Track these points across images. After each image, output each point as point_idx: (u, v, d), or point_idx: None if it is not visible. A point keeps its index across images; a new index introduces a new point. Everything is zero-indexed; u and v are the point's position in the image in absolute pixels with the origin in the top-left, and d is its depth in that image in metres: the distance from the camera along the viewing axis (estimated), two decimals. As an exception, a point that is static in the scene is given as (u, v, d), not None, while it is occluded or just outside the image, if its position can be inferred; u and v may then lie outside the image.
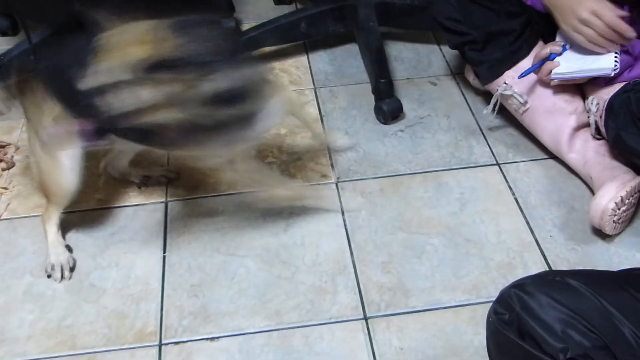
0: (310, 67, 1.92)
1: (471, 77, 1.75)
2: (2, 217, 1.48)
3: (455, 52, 1.73)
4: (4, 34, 2.06)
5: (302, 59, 1.95)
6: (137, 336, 1.24)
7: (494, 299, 0.93)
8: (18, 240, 1.43)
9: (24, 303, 1.30)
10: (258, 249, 1.39)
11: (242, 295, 1.30)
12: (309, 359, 1.19)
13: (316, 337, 1.23)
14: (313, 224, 1.44)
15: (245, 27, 1.98)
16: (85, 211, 1.48)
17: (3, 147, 1.65)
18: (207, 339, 1.23)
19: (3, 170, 1.59)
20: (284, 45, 1.96)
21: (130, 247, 1.40)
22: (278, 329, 1.24)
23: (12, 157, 1.63)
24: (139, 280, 1.33)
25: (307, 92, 1.82)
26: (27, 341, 1.24)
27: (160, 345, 1.22)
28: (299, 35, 1.91)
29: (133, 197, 1.52)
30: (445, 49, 1.91)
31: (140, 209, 1.49)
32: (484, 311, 0.98)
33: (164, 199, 1.51)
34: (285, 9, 2.11)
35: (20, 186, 1.56)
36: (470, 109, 1.74)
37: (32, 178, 1.51)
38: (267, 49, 1.93)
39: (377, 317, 1.26)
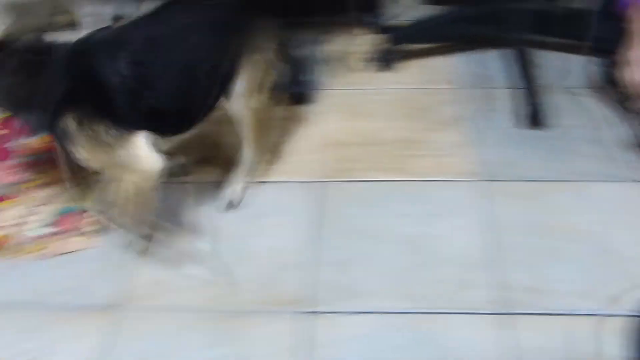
0: (453, 68, 1.98)
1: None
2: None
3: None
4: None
5: (446, 59, 2.01)
6: (287, 302, 1.35)
7: (629, 311, 0.95)
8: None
9: (188, 259, 1.45)
10: (403, 236, 1.47)
11: (385, 277, 1.39)
12: (443, 345, 1.26)
13: (452, 326, 1.29)
14: (457, 218, 1.51)
15: (390, 23, 2.08)
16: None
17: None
18: (350, 312, 1.32)
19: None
20: (431, 45, 2.03)
21: (284, 220, 1.52)
22: (416, 313, 1.32)
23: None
24: (291, 250, 1.45)
25: (448, 92, 1.88)
26: (188, 293, 1.38)
27: (309, 313, 1.32)
28: (447, 35, 1.98)
29: (292, 174, 1.65)
30: (591, 60, 1.92)
31: (299, 186, 1.61)
32: (620, 322, 1.00)
33: (323, 179, 1.63)
34: (430, 10, 2.16)
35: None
36: (621, 123, 1.75)
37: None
38: (414, 46, 2.01)
39: (513, 314, 1.31)
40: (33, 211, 1.58)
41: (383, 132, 1.76)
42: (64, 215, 1.57)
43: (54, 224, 1.55)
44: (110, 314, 1.34)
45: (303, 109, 1.84)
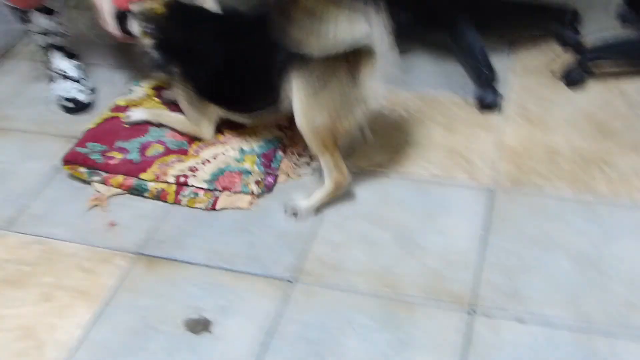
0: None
1: None
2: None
3: None
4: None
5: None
6: (451, 298, 1.38)
7: None
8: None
9: (360, 244, 1.52)
10: (575, 252, 1.45)
11: (553, 288, 1.38)
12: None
13: (623, 351, 1.26)
14: (636, 242, 1.47)
15: (587, 40, 2.04)
16: (420, 182, 1.68)
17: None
18: (515, 320, 1.33)
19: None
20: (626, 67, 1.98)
21: (455, 220, 1.56)
22: (585, 330, 1.30)
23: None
24: (459, 250, 1.48)
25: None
26: (358, 276, 1.45)
27: (471, 313, 1.35)
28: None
29: (468, 177, 1.68)
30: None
31: (473, 189, 1.64)
32: None
33: (491, 186, 1.64)
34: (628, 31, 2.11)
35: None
36: None
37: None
38: (608, 66, 1.96)
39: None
40: (200, 167, 1.74)
41: (564, 148, 1.74)
42: (226, 173, 1.72)
43: (218, 180, 1.71)
44: (284, 284, 1.46)
45: (488, 115, 1.86)
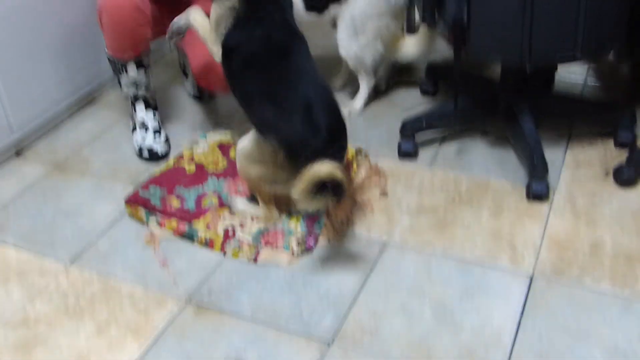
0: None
1: None
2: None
3: None
4: (426, 94, 2.51)
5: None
6: (481, 377, 1.46)
7: None
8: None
9: (398, 313, 1.62)
10: (609, 345, 1.50)
11: (583, 380, 1.44)
12: None
13: None
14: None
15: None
16: (463, 262, 1.78)
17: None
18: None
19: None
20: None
21: (493, 301, 1.64)
22: None
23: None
24: (493, 330, 1.56)
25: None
26: (393, 344, 1.54)
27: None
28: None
29: (508, 261, 1.76)
30: None
31: (507, 273, 1.73)
32: None
33: (531, 272, 1.72)
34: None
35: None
36: None
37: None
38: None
39: None
40: (249, 222, 1.89)
41: (608, 244, 1.79)
42: (268, 231, 1.86)
43: (263, 235, 1.85)
44: (322, 346, 1.55)
45: (536, 204, 1.95)
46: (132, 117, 2.34)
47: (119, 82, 2.30)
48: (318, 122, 1.72)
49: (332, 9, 2.31)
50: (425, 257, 1.79)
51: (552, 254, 1.77)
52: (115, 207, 2.03)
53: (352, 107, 2.43)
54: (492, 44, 1.85)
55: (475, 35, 1.84)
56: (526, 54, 1.83)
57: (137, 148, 2.28)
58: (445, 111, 2.19)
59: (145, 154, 2.25)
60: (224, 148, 2.20)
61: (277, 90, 1.78)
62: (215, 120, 2.47)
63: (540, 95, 2.28)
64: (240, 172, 1.86)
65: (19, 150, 2.33)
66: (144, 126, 2.30)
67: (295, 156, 1.69)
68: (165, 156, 2.25)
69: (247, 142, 1.82)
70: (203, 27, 1.92)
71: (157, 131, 2.30)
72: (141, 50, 2.21)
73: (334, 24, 2.37)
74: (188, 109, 2.56)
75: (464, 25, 1.84)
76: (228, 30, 1.84)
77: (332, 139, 1.73)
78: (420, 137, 2.20)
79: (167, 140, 2.30)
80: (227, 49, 1.86)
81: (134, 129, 2.33)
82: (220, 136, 2.27)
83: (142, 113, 2.32)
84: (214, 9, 1.88)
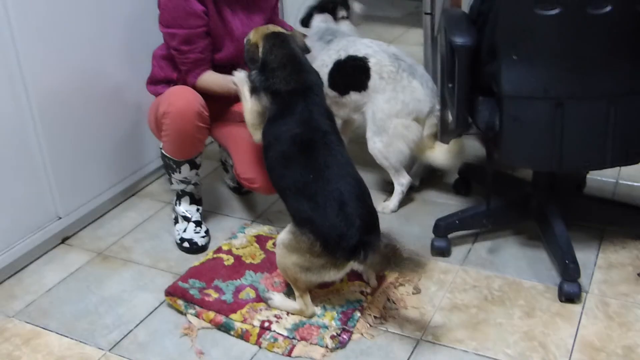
0: None
1: None
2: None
3: None
4: (459, 193, 2.58)
5: None
6: None
7: None
8: None
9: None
10: None
11: None
12: None
13: None
14: None
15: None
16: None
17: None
18: None
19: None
20: None
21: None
22: None
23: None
24: None
25: None
26: None
27: None
28: None
29: None
30: None
31: None
32: None
33: None
34: None
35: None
36: None
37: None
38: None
39: None
40: (285, 316, 1.95)
41: None
42: (306, 325, 1.91)
43: (298, 330, 1.89)
44: None
45: (568, 305, 1.97)
46: (175, 209, 2.45)
47: (170, 178, 2.43)
48: (351, 214, 1.83)
49: (353, 96, 2.45)
50: (457, 356, 1.82)
51: (584, 356, 1.79)
52: (155, 296, 2.11)
53: (386, 206, 2.51)
54: (523, 150, 1.94)
55: (506, 142, 1.93)
56: (556, 162, 1.91)
57: (177, 239, 2.38)
58: (478, 211, 2.25)
59: (186, 245, 2.35)
60: (261, 241, 2.29)
61: (309, 185, 1.90)
62: (254, 213, 2.57)
63: (571, 197, 2.34)
64: (279, 263, 1.94)
65: (65, 238, 2.44)
66: (187, 219, 2.41)
67: (332, 248, 1.81)
68: (205, 248, 2.35)
69: (285, 234, 1.92)
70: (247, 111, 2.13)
71: (198, 224, 2.41)
72: (197, 153, 2.36)
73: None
74: (227, 201, 2.67)
75: (496, 131, 1.94)
76: (264, 127, 2.04)
77: (366, 230, 1.83)
78: (453, 234, 2.27)
79: (207, 233, 2.40)
80: (263, 146, 2.05)
81: (176, 221, 2.44)
82: (257, 229, 2.37)
83: (187, 207, 2.43)
84: (254, 102, 2.09)
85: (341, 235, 1.81)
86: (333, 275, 1.88)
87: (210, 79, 2.29)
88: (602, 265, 2.14)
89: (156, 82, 2.40)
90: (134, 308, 2.07)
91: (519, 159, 1.97)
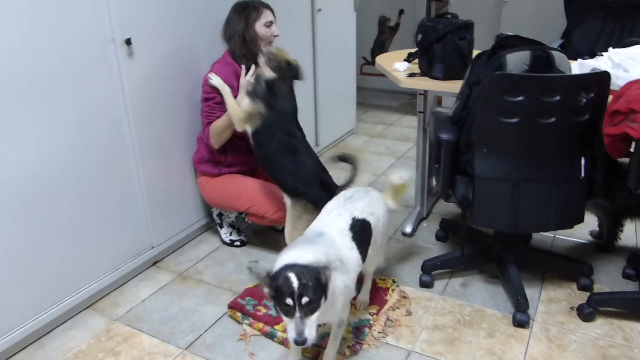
0: (643, 332, 1.96)
1: None
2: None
3: None
4: (439, 240, 2.60)
5: None
6: None
7: None
8: None
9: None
10: None
11: None
12: None
13: None
14: None
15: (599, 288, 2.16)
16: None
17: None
18: None
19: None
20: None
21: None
22: None
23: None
24: None
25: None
26: None
27: None
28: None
29: None
30: None
31: None
32: None
33: None
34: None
35: (428, 335, 1.96)
36: None
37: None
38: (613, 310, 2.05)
39: None
40: None
41: None
42: (328, 336, 1.88)
43: (324, 339, 1.84)
44: None
45: (520, 329, 1.97)
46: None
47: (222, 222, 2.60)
48: (325, 182, 2.14)
49: None
50: (439, 365, 1.83)
51: (532, 371, 1.79)
52: (219, 309, 2.13)
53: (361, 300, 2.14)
54: (490, 216, 1.96)
55: (478, 210, 1.95)
56: (513, 226, 1.93)
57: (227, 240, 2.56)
58: (454, 256, 2.26)
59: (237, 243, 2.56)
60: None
61: (298, 170, 2.15)
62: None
63: (521, 248, 2.35)
64: (290, 234, 2.16)
65: (155, 262, 2.47)
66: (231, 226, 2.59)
67: (316, 203, 2.03)
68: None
69: (289, 210, 2.17)
70: (231, 106, 2.21)
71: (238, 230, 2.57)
72: None
73: None
74: (270, 238, 2.70)
75: (470, 201, 1.97)
76: (258, 128, 2.14)
77: (329, 185, 2.16)
78: (436, 272, 2.28)
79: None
80: (259, 143, 2.16)
81: (221, 226, 2.59)
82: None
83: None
84: (247, 103, 2.16)
85: (322, 195, 2.04)
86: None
87: (215, 123, 2.30)
88: (544, 299, 2.14)
89: (205, 162, 2.43)
90: (204, 317, 2.09)
91: (486, 222, 1.98)
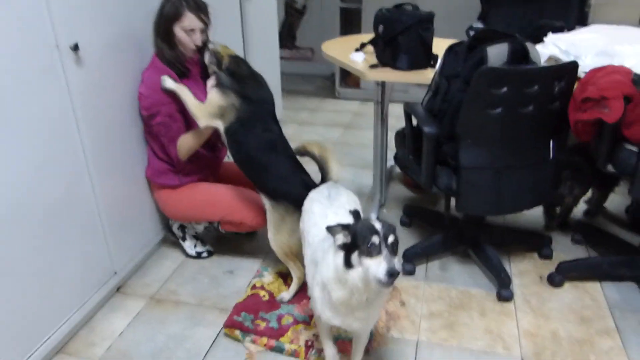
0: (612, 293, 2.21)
1: None
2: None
3: None
4: (404, 225, 2.67)
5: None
6: None
7: None
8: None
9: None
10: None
11: None
12: None
13: None
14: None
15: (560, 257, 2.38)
16: (474, 351, 1.89)
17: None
18: None
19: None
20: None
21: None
22: None
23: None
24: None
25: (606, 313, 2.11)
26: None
27: None
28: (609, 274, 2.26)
29: (499, 350, 1.90)
30: None
31: (506, 359, 1.86)
32: None
33: (520, 357, 1.86)
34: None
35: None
36: None
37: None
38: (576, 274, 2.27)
39: None
40: (318, 334, 1.87)
41: (561, 331, 1.97)
42: (339, 341, 1.86)
43: (336, 343, 1.87)
44: None
45: (505, 304, 2.11)
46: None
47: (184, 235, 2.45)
48: (306, 182, 2.04)
49: None
50: (449, 351, 1.90)
51: (529, 341, 1.93)
52: (211, 330, 2.00)
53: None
54: (474, 203, 2.05)
55: (463, 198, 2.04)
56: (496, 210, 2.06)
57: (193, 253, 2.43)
58: (434, 241, 2.36)
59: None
60: (283, 277, 2.25)
61: (279, 169, 2.04)
62: (258, 250, 2.49)
63: (487, 227, 2.50)
64: (276, 242, 2.07)
65: (118, 287, 2.24)
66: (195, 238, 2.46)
67: (298, 202, 1.91)
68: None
69: (270, 215, 2.06)
70: (192, 103, 2.05)
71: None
72: None
73: None
74: (236, 245, 2.58)
75: (453, 191, 2.05)
76: (231, 123, 2.01)
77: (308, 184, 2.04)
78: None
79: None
80: (236, 140, 2.03)
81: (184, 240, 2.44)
82: (276, 267, 2.30)
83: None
84: (216, 94, 2.02)
85: (304, 195, 1.89)
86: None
87: (183, 139, 2.14)
88: (515, 272, 2.31)
89: (162, 173, 2.24)
90: (198, 342, 1.95)
91: (472, 209, 2.09)
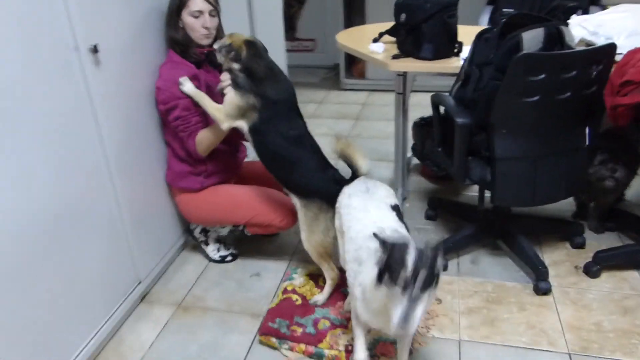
0: None
1: None
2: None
3: None
4: (430, 219, 2.62)
5: None
6: None
7: None
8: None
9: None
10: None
11: None
12: None
13: None
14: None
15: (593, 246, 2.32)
16: (518, 348, 1.84)
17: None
18: None
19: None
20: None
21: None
22: None
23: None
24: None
25: None
26: None
27: None
28: None
29: (544, 345, 1.84)
30: None
31: (552, 354, 1.79)
32: None
33: (566, 351, 1.81)
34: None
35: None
36: None
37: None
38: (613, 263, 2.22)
39: None
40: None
41: (604, 322, 1.92)
42: (380, 343, 1.84)
43: (376, 347, 1.82)
44: None
45: (544, 297, 2.06)
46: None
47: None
48: (336, 177, 1.98)
49: None
50: (492, 349, 1.84)
51: (574, 335, 1.88)
52: (245, 337, 1.94)
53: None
54: (510, 195, 2.00)
55: (499, 190, 1.98)
56: (531, 201, 2.00)
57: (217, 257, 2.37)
58: (465, 235, 2.30)
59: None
60: (314, 278, 2.18)
61: (308, 166, 1.97)
62: (283, 251, 2.44)
63: (516, 217, 2.44)
64: (309, 242, 2.00)
65: (143, 297, 2.17)
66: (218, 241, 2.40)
67: (331, 201, 1.86)
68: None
69: (302, 214, 2.00)
70: (212, 107, 1.99)
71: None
72: None
73: None
74: (260, 247, 2.52)
75: (488, 183, 1.99)
76: (254, 122, 1.94)
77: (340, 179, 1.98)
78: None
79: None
80: (261, 139, 1.96)
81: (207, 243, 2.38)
82: (306, 268, 2.24)
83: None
84: (234, 95, 1.94)
85: (336, 191, 1.82)
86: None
87: (202, 134, 2.07)
88: (549, 263, 2.24)
89: (183, 177, 2.17)
90: (234, 350, 1.88)
91: (507, 201, 2.03)
